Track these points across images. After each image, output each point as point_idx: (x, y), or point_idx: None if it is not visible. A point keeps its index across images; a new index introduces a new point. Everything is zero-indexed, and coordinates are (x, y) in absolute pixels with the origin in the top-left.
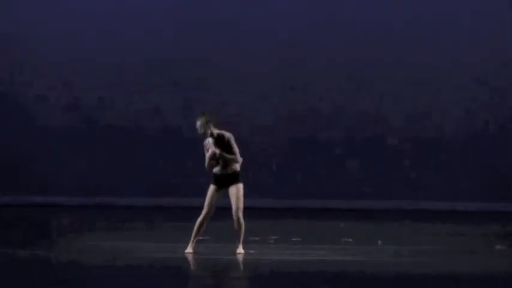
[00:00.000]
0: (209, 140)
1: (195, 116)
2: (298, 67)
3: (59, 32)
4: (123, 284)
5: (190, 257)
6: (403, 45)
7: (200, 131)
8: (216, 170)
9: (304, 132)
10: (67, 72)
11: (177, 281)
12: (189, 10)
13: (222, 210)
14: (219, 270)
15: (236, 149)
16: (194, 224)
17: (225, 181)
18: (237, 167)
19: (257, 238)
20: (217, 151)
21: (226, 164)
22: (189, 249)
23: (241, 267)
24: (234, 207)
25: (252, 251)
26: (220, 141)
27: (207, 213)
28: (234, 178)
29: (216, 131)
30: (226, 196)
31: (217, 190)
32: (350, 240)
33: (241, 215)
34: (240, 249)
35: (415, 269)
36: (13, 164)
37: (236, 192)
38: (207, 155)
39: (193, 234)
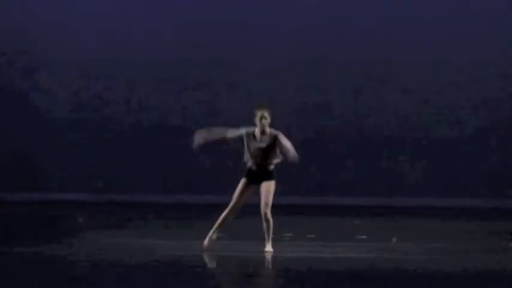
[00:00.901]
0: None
1: (200, 112)
2: (305, 66)
3: (64, 30)
4: (139, 282)
5: (204, 255)
6: (402, 44)
7: (263, 123)
8: (250, 164)
9: (317, 129)
10: (75, 69)
11: (190, 278)
12: (197, 10)
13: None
14: (234, 267)
15: (288, 144)
16: (205, 221)
17: (259, 176)
18: (274, 164)
19: (272, 235)
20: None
21: (265, 159)
22: (206, 242)
23: (257, 264)
24: (262, 202)
25: (266, 248)
26: (271, 139)
27: (234, 205)
28: (269, 174)
29: (270, 130)
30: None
31: (248, 184)
32: (364, 237)
33: (268, 211)
34: (269, 248)
35: (429, 267)
36: (22, 161)
37: (268, 187)
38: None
39: (215, 226)
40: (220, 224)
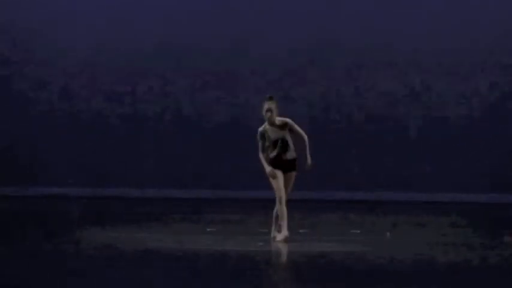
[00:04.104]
0: (267, 128)
1: (207, 104)
2: (304, 58)
3: (63, 20)
4: (134, 276)
5: (197, 249)
6: (403, 34)
7: (269, 116)
8: (272, 154)
9: (312, 123)
10: (73, 61)
11: (181, 273)
12: (199, 1)
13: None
14: (227, 261)
15: (300, 129)
16: (200, 215)
17: (283, 165)
18: (295, 153)
19: (265, 230)
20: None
21: (286, 149)
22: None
23: (249, 258)
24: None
25: (260, 243)
26: (282, 128)
27: (281, 197)
28: (293, 165)
29: (278, 119)
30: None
31: (281, 172)
32: (358, 232)
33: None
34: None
35: (423, 261)
36: (14, 155)
37: (290, 178)
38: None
39: (274, 223)
40: (277, 218)
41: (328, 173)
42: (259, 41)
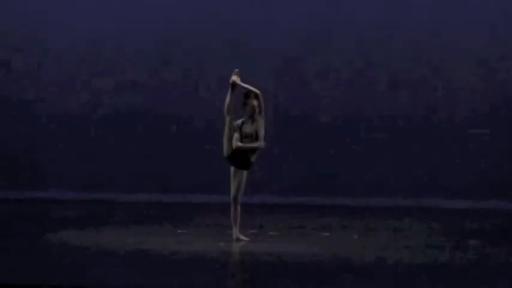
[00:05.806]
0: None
1: (204, 105)
2: (297, 56)
3: (62, 19)
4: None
5: (170, 251)
6: (406, 35)
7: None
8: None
9: (309, 123)
10: (67, 63)
11: (155, 275)
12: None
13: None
14: (194, 262)
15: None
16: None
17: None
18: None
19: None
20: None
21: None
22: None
23: (215, 259)
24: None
25: (240, 244)
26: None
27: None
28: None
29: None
30: None
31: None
32: (327, 234)
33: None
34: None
35: (396, 263)
36: (18, 156)
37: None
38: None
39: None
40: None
41: (309, 176)
42: (260, 41)
